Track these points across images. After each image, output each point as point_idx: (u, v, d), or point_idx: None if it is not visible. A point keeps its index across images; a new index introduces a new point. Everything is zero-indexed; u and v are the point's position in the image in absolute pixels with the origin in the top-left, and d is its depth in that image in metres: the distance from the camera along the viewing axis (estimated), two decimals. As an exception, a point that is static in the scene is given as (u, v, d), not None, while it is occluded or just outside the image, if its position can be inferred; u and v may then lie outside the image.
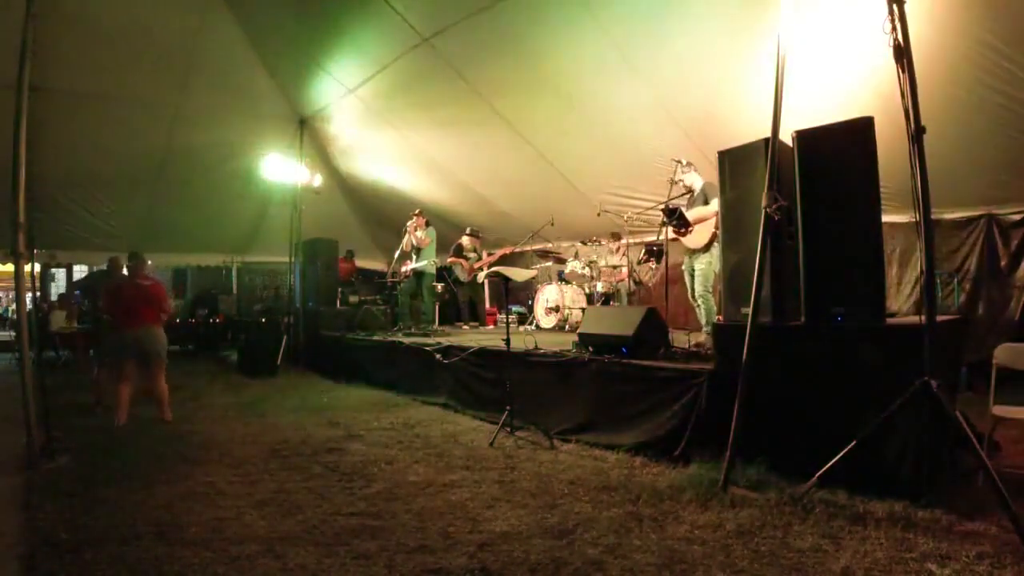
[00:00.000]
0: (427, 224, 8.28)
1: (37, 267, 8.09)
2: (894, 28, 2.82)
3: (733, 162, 3.82)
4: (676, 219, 5.17)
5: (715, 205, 4.55)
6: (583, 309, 6.99)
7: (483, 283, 9.01)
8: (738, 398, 3.17)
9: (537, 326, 7.81)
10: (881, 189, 3.19)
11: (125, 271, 5.80)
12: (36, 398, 3.91)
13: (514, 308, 8.99)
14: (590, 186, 7.81)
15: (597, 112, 6.62)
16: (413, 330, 7.53)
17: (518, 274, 5.02)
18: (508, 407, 4.37)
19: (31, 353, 4.18)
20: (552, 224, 7.81)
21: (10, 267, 4.57)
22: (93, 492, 3.27)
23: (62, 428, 4.33)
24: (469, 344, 5.56)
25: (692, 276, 5.32)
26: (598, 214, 6.77)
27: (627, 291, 7.47)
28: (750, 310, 3.25)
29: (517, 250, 8.86)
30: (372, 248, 12.59)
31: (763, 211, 3.24)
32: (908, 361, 2.84)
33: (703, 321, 5.36)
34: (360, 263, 12.22)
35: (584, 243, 8.12)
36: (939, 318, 3.21)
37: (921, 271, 3.09)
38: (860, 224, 3.17)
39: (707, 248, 5.14)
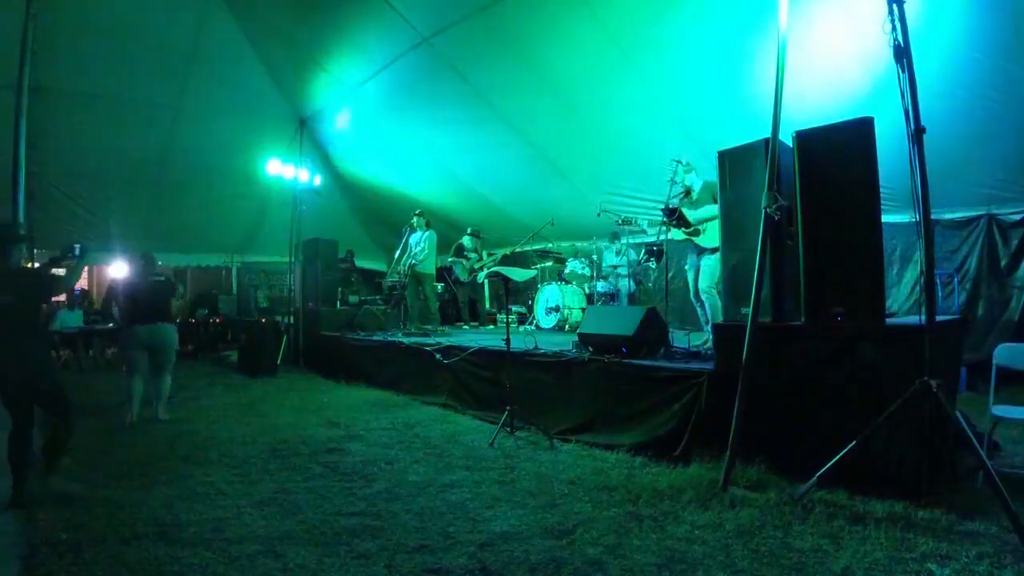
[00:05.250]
0: (428, 225, 8.27)
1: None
2: (894, 28, 2.82)
3: (733, 162, 3.82)
4: (676, 219, 5.17)
5: None
6: (583, 309, 6.99)
7: (483, 283, 9.00)
8: (738, 398, 3.18)
9: (537, 326, 7.81)
10: (881, 189, 3.19)
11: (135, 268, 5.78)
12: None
13: (514, 308, 8.99)
14: (590, 186, 7.81)
15: (597, 112, 6.62)
16: (413, 330, 7.53)
17: (518, 274, 5.02)
18: (508, 407, 4.37)
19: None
20: (552, 224, 7.81)
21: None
22: (93, 492, 3.27)
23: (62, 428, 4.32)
24: (469, 344, 5.56)
25: (697, 272, 5.30)
26: (598, 214, 6.77)
27: (627, 291, 7.46)
28: (750, 310, 3.25)
29: (517, 250, 8.85)
30: (372, 248, 12.60)
31: (763, 211, 3.24)
32: (908, 361, 2.85)
33: (704, 319, 5.34)
34: (360, 263, 12.22)
35: (584, 243, 8.11)
36: (939, 318, 3.21)
37: (921, 271, 3.09)
38: (860, 224, 3.17)
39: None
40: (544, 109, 6.91)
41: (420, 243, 8.05)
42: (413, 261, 8.03)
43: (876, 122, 3.13)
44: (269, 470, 3.71)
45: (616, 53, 5.78)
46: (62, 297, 12.05)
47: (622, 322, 4.40)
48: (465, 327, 8.82)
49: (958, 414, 2.77)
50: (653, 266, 7.64)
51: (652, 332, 4.31)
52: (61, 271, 3.79)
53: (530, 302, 8.53)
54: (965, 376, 4.94)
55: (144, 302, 5.17)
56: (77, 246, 3.70)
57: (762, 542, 2.48)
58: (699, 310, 5.48)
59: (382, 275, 10.79)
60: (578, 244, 8.51)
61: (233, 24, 7.74)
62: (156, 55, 7.54)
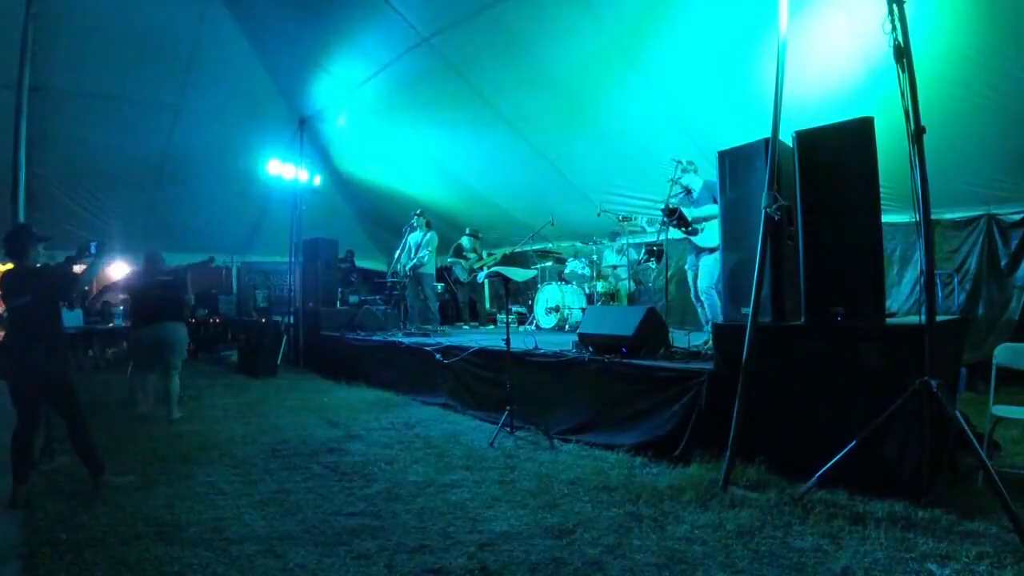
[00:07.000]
0: (428, 225, 8.26)
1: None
2: (894, 28, 2.82)
3: (733, 162, 3.82)
4: (676, 219, 5.17)
5: None
6: (583, 309, 6.99)
7: (483, 283, 9.00)
8: (738, 398, 3.18)
9: (537, 326, 7.81)
10: (881, 189, 3.19)
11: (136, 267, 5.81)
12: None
13: (514, 308, 8.99)
14: (590, 186, 7.81)
15: (597, 111, 6.62)
16: (413, 330, 7.53)
17: (518, 274, 5.02)
18: (508, 407, 4.37)
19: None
20: (552, 224, 7.81)
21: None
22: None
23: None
24: (469, 344, 5.56)
25: (696, 272, 5.30)
26: (598, 214, 6.76)
27: (627, 291, 7.46)
28: (750, 310, 3.25)
29: (517, 250, 8.85)
30: (372, 248, 12.60)
31: (763, 211, 3.24)
32: (908, 361, 2.85)
33: (705, 319, 5.34)
34: (360, 263, 12.22)
35: (584, 243, 8.11)
36: (939, 318, 3.21)
37: (921, 271, 3.09)
38: (860, 224, 3.18)
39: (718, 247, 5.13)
40: (544, 109, 6.91)
41: (423, 245, 8.04)
42: (416, 263, 8.02)
43: (876, 122, 3.14)
44: (269, 470, 3.71)
45: (616, 53, 5.78)
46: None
47: (622, 322, 4.40)
48: (465, 327, 8.82)
49: (958, 414, 2.77)
50: (653, 266, 7.64)
51: (652, 332, 4.31)
52: (78, 269, 3.72)
53: (530, 302, 8.53)
54: (965, 376, 4.94)
55: (150, 302, 5.19)
56: (94, 244, 3.63)
57: (762, 542, 2.48)
58: (699, 310, 5.48)
59: (382, 275, 10.78)
60: (578, 244, 8.51)
61: (233, 24, 7.74)
62: (156, 55, 7.55)
